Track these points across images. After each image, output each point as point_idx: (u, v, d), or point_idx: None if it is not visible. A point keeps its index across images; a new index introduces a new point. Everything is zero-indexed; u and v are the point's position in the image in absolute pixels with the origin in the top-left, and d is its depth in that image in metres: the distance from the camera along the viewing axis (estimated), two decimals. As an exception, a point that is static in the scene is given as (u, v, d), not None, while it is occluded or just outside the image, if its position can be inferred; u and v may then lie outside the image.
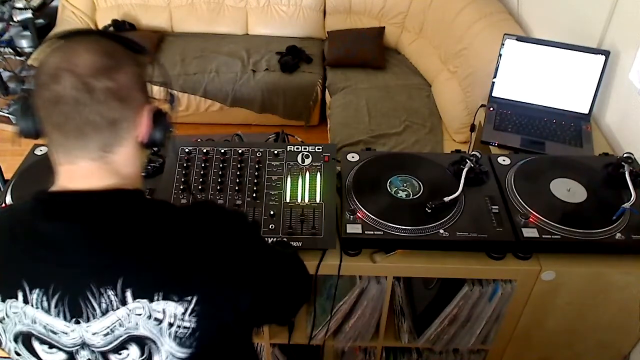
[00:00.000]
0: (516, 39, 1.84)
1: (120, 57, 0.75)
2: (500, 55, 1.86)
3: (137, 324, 0.72)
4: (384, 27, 3.40)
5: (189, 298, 0.71)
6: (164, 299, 0.71)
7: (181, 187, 1.33)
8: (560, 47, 1.79)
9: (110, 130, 0.73)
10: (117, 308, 0.71)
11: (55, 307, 0.72)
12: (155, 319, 0.71)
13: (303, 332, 1.51)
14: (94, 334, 0.73)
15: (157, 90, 0.84)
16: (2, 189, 2.22)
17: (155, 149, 0.85)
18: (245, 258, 0.78)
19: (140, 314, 0.71)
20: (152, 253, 0.72)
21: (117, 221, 0.72)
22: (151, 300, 0.71)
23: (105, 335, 0.73)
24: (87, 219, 0.72)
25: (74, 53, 0.72)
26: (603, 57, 1.74)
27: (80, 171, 0.74)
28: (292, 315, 0.98)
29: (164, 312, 0.71)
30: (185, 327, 0.72)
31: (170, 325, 0.72)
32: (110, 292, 0.70)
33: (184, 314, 0.71)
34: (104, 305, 0.71)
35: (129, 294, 0.70)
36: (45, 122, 0.73)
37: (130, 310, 0.71)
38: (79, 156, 0.74)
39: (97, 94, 0.71)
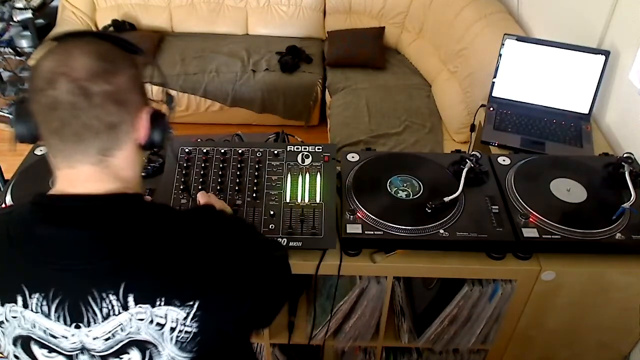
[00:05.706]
0: (516, 39, 1.84)
1: (117, 60, 0.74)
2: (500, 55, 1.86)
3: (139, 329, 0.71)
4: (384, 27, 3.40)
5: (191, 303, 0.71)
6: (166, 304, 0.70)
7: (181, 187, 1.33)
8: (560, 47, 1.79)
9: (109, 134, 0.72)
10: (119, 313, 0.70)
11: (56, 311, 0.71)
12: (158, 324, 0.71)
13: (303, 332, 1.51)
14: (94, 338, 0.72)
15: (155, 91, 0.83)
16: (2, 189, 2.22)
17: (154, 149, 0.85)
18: (246, 263, 0.78)
19: (142, 319, 0.71)
20: (154, 258, 0.71)
21: (119, 226, 0.72)
22: (153, 306, 0.70)
23: (106, 339, 0.72)
24: (88, 223, 0.71)
25: (69, 56, 0.70)
26: (603, 57, 1.74)
27: (80, 175, 0.74)
28: (275, 317, 0.96)
29: (166, 317, 0.71)
30: (187, 332, 0.72)
31: (172, 330, 0.72)
32: (112, 297, 0.70)
33: (185, 318, 0.71)
34: (105, 310, 0.70)
35: (131, 299, 0.70)
36: (43, 127, 0.72)
37: (132, 315, 0.71)
38: (78, 160, 0.73)
39: (94, 98, 0.69)
